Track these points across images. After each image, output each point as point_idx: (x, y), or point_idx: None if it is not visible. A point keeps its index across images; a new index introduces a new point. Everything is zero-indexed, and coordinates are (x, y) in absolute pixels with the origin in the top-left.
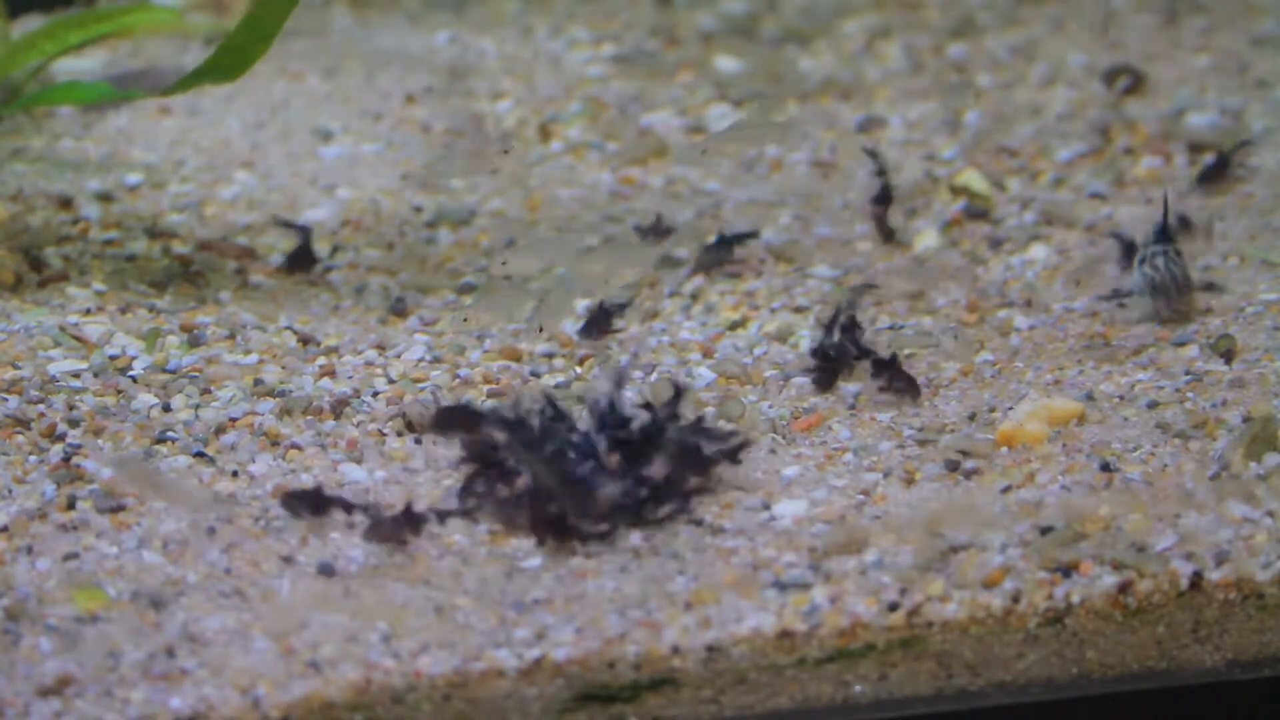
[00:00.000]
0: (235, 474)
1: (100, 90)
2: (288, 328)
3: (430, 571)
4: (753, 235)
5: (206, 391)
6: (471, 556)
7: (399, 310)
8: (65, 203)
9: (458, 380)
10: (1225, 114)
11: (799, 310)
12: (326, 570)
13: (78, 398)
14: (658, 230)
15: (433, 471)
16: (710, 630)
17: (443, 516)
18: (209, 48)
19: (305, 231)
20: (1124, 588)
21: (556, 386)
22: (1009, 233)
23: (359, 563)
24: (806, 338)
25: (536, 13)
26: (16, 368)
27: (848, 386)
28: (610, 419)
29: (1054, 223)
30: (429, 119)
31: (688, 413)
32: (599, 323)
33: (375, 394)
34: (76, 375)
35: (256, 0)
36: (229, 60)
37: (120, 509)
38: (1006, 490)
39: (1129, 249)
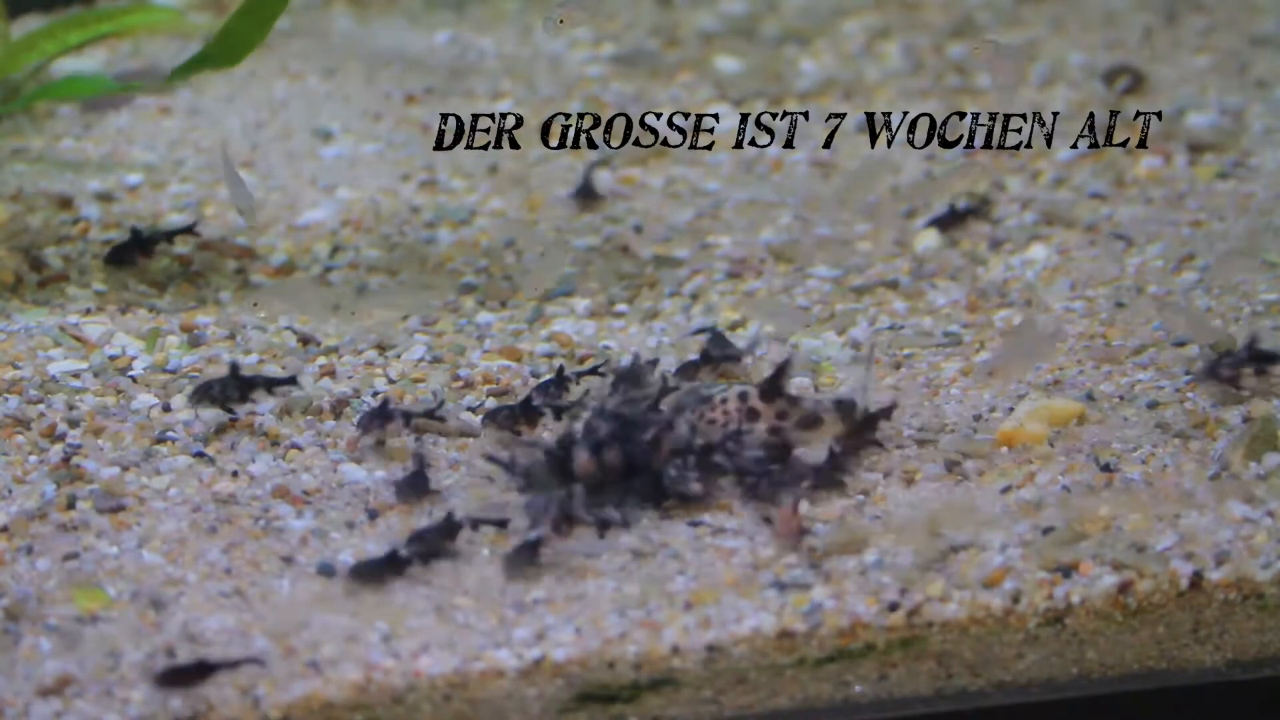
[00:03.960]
0: (235, 474)
1: (100, 83)
2: (288, 328)
3: (430, 571)
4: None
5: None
6: (472, 557)
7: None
8: (65, 203)
9: (458, 380)
10: (1225, 114)
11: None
12: (326, 570)
13: (78, 398)
14: None
15: (433, 471)
16: (710, 630)
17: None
18: None
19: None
20: (1124, 588)
21: None
22: (1009, 233)
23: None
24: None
25: (536, 13)
26: (16, 368)
27: (848, 388)
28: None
29: (1054, 223)
30: (429, 119)
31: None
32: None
33: (375, 394)
34: (76, 375)
35: None
36: (226, 49)
37: (120, 509)
38: (1006, 490)
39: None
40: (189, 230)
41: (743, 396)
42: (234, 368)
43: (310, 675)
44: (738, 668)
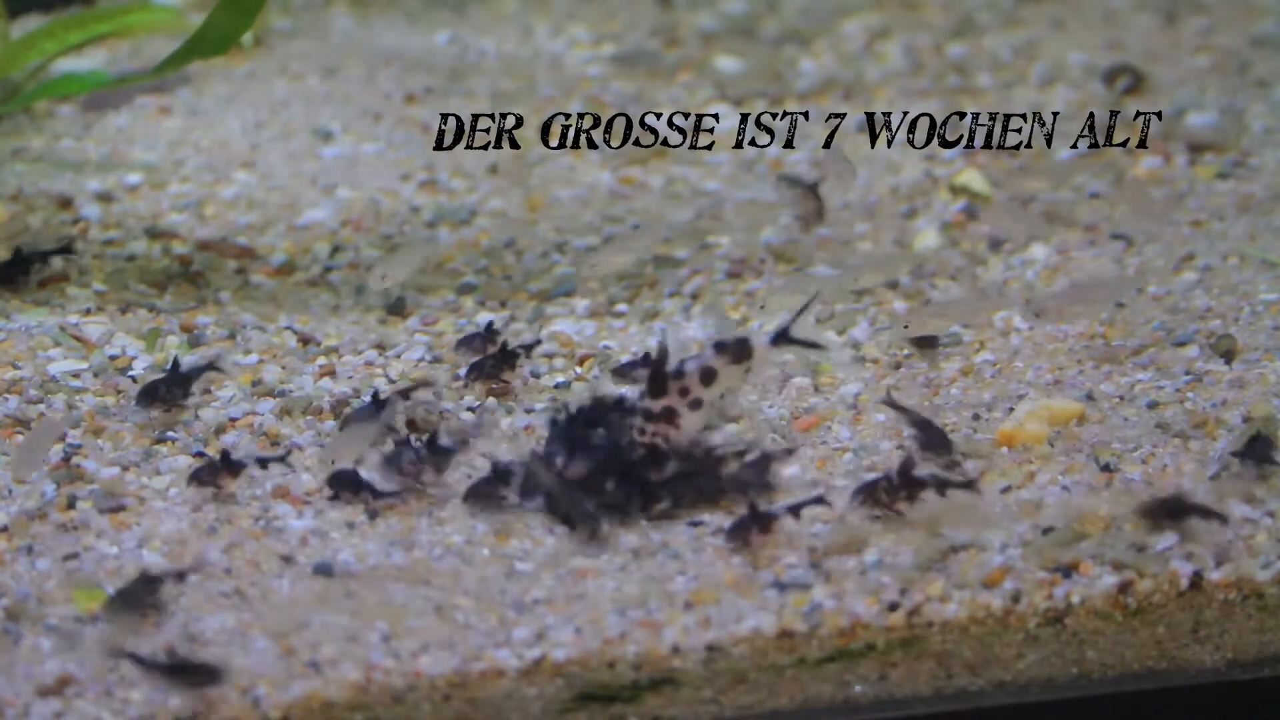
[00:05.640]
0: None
1: (97, 79)
2: (288, 328)
3: (430, 571)
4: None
5: (206, 391)
6: (472, 557)
7: (399, 310)
8: (65, 203)
9: (458, 380)
10: (1225, 114)
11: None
12: (326, 570)
13: (78, 398)
14: None
15: (432, 472)
16: (710, 630)
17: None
18: None
19: (18, 250)
20: (1124, 588)
21: (556, 387)
22: (1009, 232)
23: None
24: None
25: (536, 13)
26: (16, 368)
27: (848, 388)
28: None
29: (1054, 223)
30: (429, 119)
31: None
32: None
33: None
34: (76, 375)
35: None
36: (214, 35)
37: (120, 509)
38: (1006, 490)
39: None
40: (68, 249)
41: (647, 414)
42: (175, 363)
43: (310, 675)
44: (738, 668)
